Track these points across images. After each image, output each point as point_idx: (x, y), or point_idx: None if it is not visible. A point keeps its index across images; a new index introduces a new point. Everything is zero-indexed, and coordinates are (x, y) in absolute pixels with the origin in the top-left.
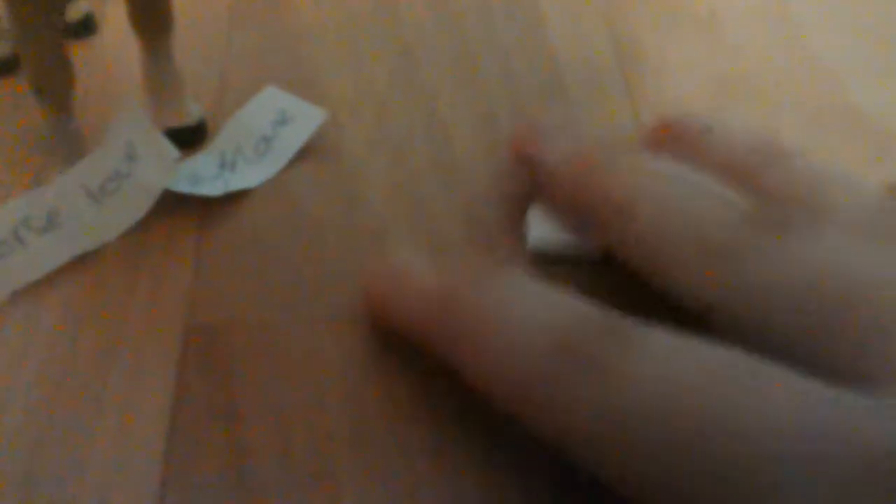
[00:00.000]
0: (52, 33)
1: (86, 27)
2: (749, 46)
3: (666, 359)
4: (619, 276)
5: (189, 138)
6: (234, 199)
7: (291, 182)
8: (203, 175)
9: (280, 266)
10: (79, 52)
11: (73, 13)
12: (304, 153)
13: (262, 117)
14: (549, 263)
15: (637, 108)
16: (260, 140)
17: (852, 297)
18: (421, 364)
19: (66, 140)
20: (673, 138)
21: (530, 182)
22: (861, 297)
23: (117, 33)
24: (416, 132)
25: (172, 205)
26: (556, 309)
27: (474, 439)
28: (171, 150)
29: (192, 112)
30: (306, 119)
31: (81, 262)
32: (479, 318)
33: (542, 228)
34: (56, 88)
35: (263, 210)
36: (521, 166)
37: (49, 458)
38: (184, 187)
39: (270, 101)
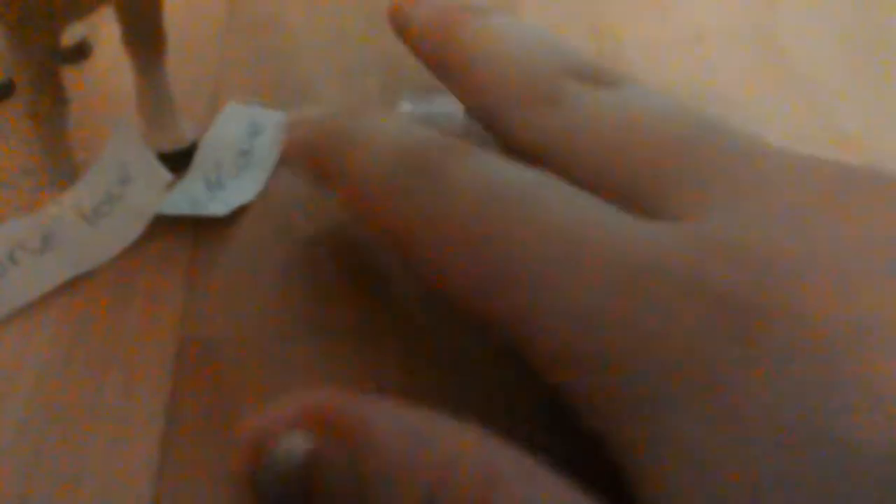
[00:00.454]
0: (48, 58)
1: (80, 52)
2: (732, 67)
3: (488, 172)
4: None
5: (182, 161)
6: (224, 217)
7: (280, 194)
8: (197, 197)
9: (272, 282)
10: (73, 76)
11: (68, 38)
12: (287, 167)
13: (233, 133)
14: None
15: None
16: (238, 155)
17: (669, 146)
18: (416, 380)
19: (60, 164)
20: None
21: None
22: (676, 148)
23: (111, 56)
24: None
25: (165, 224)
26: (408, 133)
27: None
28: (163, 173)
29: (184, 135)
30: (278, 126)
31: (75, 281)
32: (348, 143)
33: (413, 96)
34: (51, 113)
35: (255, 226)
36: (397, 27)
37: (43, 477)
38: (185, 209)
39: (236, 115)
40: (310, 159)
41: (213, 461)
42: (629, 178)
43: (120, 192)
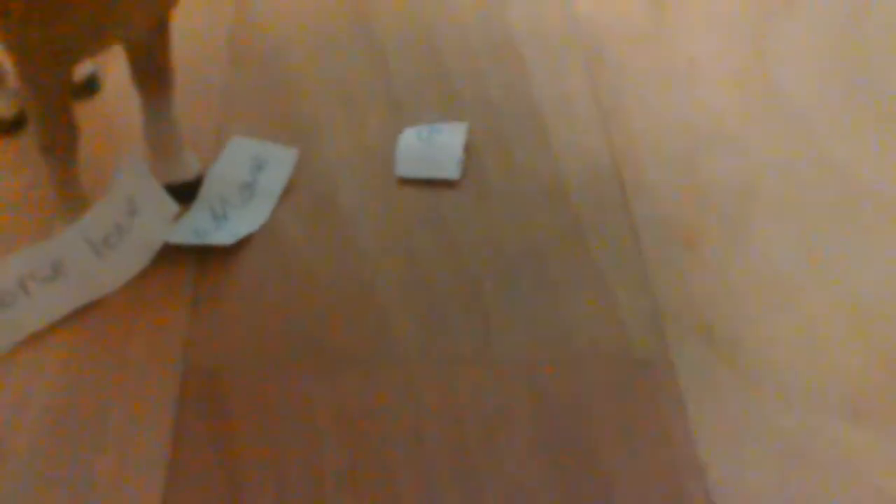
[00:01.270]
0: (60, 93)
1: (90, 87)
2: (723, 98)
3: None
4: None
5: (188, 193)
6: (228, 248)
7: (282, 228)
8: (204, 228)
9: (273, 313)
10: (82, 110)
11: (79, 73)
12: (293, 200)
13: (237, 166)
14: None
15: (613, 149)
16: (242, 188)
17: None
18: (414, 406)
19: (70, 195)
20: None
21: None
22: None
23: (119, 91)
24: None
25: (171, 254)
26: None
27: (465, 482)
28: (170, 205)
29: (191, 167)
30: (280, 160)
31: (83, 310)
32: None
33: (415, 129)
34: (62, 146)
35: (257, 258)
36: None
37: (52, 499)
38: (192, 240)
39: (240, 150)
40: None
41: (217, 482)
42: None
43: (128, 223)
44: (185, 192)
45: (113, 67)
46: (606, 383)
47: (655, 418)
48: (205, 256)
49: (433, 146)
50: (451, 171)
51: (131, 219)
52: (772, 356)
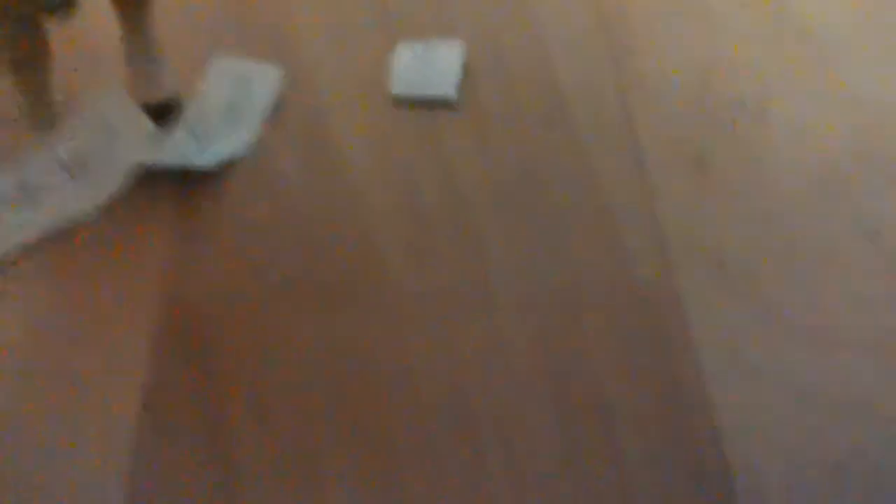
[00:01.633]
0: (31, 11)
1: (67, 4)
2: (740, 29)
3: None
4: None
5: (167, 113)
6: (212, 173)
7: (270, 153)
8: (185, 151)
9: (260, 242)
10: (59, 28)
11: None
12: (281, 123)
13: (220, 87)
14: None
15: (622, 78)
16: (226, 109)
17: None
18: (406, 340)
19: (40, 111)
20: None
21: None
22: None
23: (97, 9)
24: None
25: (150, 180)
26: None
27: (460, 416)
28: (147, 125)
29: (169, 86)
30: (265, 78)
31: (57, 234)
32: None
33: (409, 43)
34: (33, 65)
35: (243, 185)
36: None
37: (20, 436)
38: (172, 163)
39: (223, 69)
40: None
41: (199, 423)
42: None
43: (102, 143)
44: (163, 113)
45: None
46: (608, 315)
47: (660, 354)
48: (187, 182)
49: (429, 64)
50: (448, 89)
51: (105, 138)
52: (786, 290)
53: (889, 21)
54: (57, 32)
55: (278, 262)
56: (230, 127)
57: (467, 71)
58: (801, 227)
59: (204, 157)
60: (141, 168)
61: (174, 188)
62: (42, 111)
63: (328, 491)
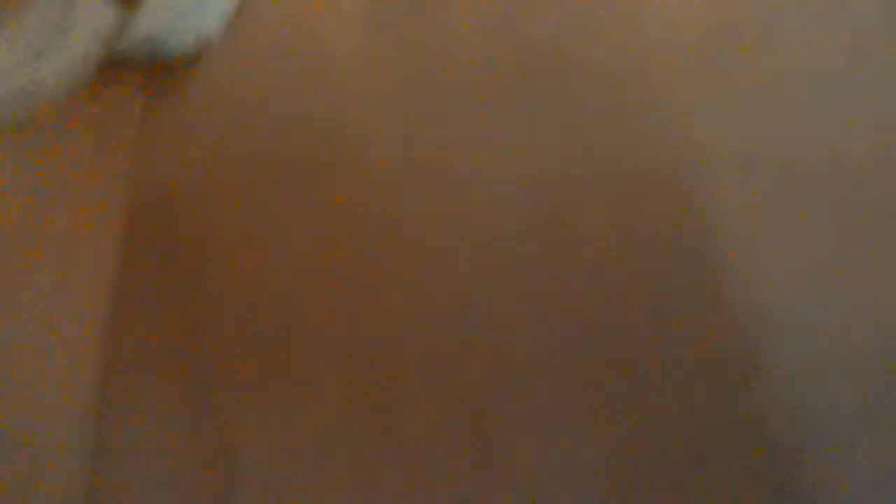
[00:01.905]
0: None
1: None
2: None
3: None
4: None
5: None
6: (185, 53)
7: (247, 30)
8: (154, 33)
9: (235, 125)
10: None
11: None
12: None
13: None
14: None
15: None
16: None
17: None
18: (395, 219)
19: None
20: None
21: None
22: None
23: None
24: None
25: (118, 62)
26: None
27: (452, 292)
28: (113, 3)
29: None
30: None
31: (17, 124)
32: None
33: None
34: None
35: (217, 65)
36: None
37: None
38: (141, 45)
39: None
40: None
41: (172, 316)
42: None
43: (63, 24)
44: None
45: None
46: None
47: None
48: (158, 63)
49: None
50: None
51: (66, 17)
52: None
53: None
54: None
55: (256, 144)
56: (204, 4)
57: None
58: None
59: (175, 39)
60: (107, 48)
61: (142, 72)
62: None
63: (314, 359)
